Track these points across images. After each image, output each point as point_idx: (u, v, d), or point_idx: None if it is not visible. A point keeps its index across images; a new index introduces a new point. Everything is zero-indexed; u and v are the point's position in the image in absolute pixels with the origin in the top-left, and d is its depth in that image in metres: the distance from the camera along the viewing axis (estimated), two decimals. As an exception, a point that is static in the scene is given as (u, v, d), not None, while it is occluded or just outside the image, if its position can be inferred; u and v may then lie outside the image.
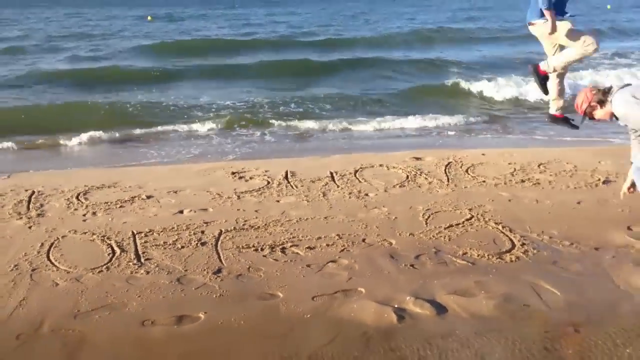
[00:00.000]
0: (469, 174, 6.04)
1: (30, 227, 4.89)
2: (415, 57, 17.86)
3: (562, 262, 4.18)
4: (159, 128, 9.95)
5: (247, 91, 12.97)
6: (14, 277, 4.05)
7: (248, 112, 10.98)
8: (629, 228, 4.70)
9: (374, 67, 15.87)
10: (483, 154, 6.76)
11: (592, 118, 4.52)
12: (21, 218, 5.08)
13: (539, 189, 5.59)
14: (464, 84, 13.12)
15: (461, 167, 6.26)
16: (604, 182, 5.69)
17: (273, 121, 10.37)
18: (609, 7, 37.69)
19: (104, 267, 4.18)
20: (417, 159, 6.64)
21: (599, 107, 4.39)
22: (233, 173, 6.24)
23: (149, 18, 34.29)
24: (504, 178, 5.88)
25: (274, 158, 7.29)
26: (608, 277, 3.96)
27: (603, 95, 4.38)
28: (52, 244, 4.57)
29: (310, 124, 10.17)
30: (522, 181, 5.80)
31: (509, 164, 6.31)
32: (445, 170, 6.17)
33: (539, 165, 6.20)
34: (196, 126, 10.03)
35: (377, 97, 12.51)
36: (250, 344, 3.31)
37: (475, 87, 12.87)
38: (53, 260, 4.29)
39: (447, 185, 5.76)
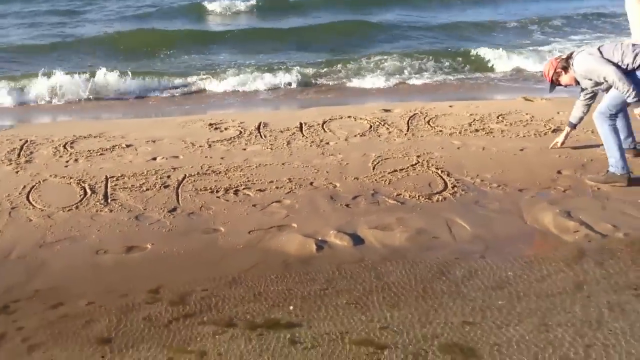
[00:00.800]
0: (429, 125, 6.38)
1: (17, 172, 5.45)
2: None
3: (484, 202, 4.57)
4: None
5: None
6: (-6, 213, 4.62)
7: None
8: (558, 172, 5.04)
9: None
10: (450, 106, 7.07)
11: (559, 84, 4.87)
12: (11, 164, 5.64)
13: (489, 138, 5.92)
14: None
15: (424, 118, 6.60)
16: (553, 131, 5.98)
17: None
18: None
19: (74, 206, 4.71)
20: (386, 110, 6.99)
21: (563, 72, 4.76)
22: (210, 124, 6.70)
23: None
24: (460, 128, 6.22)
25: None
26: (519, 215, 4.34)
27: (566, 61, 4.73)
28: (33, 186, 5.11)
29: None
30: (477, 130, 6.13)
31: (470, 115, 6.62)
32: (408, 121, 6.53)
33: (497, 116, 6.50)
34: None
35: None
36: (185, 269, 3.81)
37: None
38: (31, 200, 4.84)
39: (405, 134, 6.13)
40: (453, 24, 14.70)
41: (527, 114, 6.55)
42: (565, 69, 4.81)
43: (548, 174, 5.01)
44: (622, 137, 4.88)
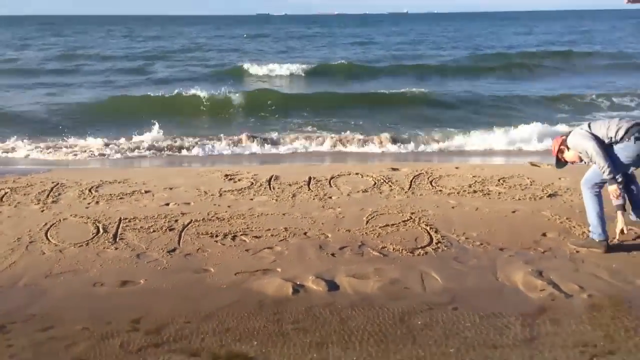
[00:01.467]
0: (431, 184, 6.64)
1: (42, 211, 5.98)
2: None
3: (462, 258, 4.77)
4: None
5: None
6: (14, 246, 5.10)
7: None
8: (543, 234, 5.19)
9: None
10: (457, 168, 7.32)
11: (566, 162, 5.07)
12: (38, 203, 6.19)
13: (485, 199, 6.12)
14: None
15: (428, 178, 6.86)
16: (549, 196, 6.13)
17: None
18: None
19: (85, 243, 5.16)
20: (394, 169, 7.29)
21: (566, 149, 4.96)
22: (226, 175, 7.14)
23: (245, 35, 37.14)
24: (460, 188, 6.44)
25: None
26: (493, 272, 4.52)
27: (567, 139, 4.94)
28: (53, 224, 5.61)
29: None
30: (474, 192, 6.34)
31: (473, 176, 6.85)
32: (412, 180, 6.80)
33: (499, 179, 6.71)
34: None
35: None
36: (168, 303, 4.14)
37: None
38: (49, 236, 5.31)
39: (406, 192, 6.40)
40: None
41: (528, 178, 6.73)
42: (567, 147, 4.96)
43: (532, 235, 5.16)
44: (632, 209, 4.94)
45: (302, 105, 14.25)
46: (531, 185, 6.52)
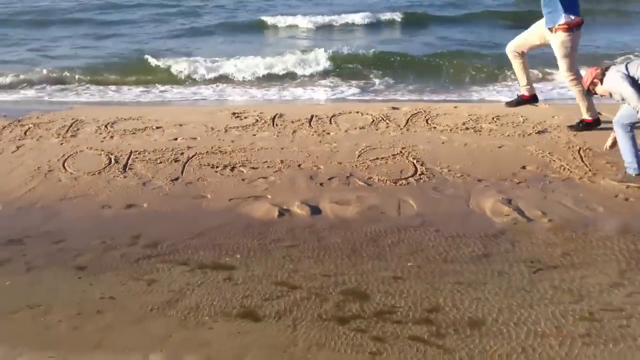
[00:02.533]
0: (427, 122, 6.91)
1: (61, 144, 6.47)
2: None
3: (441, 188, 5.11)
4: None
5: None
6: (34, 174, 5.61)
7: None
8: (523, 167, 5.48)
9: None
10: (455, 107, 7.56)
11: (595, 93, 5.32)
12: (58, 137, 6.68)
13: (475, 135, 6.39)
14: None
15: (425, 116, 7.13)
16: (537, 132, 6.37)
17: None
18: None
19: (97, 172, 5.64)
20: (394, 108, 7.56)
21: (599, 83, 5.17)
22: (233, 113, 7.53)
23: None
24: (453, 126, 6.71)
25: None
26: (467, 200, 4.86)
27: (602, 73, 5.15)
28: (70, 155, 6.10)
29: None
30: (467, 129, 6.61)
31: (469, 115, 7.09)
32: (408, 118, 7.08)
33: (493, 118, 6.94)
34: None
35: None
36: (166, 224, 4.61)
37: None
38: (65, 166, 5.82)
39: (401, 129, 6.70)
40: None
41: (522, 116, 6.94)
42: (602, 80, 5.12)
43: (512, 168, 5.45)
44: None
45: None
46: (523, 122, 6.74)
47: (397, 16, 17.44)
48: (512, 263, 3.85)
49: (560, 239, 4.17)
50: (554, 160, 5.61)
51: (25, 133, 6.82)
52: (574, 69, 6.11)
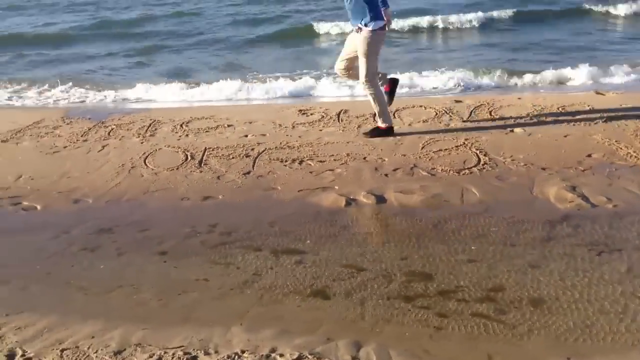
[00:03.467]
0: (490, 114, 6.99)
1: (142, 143, 6.94)
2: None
3: (504, 176, 5.21)
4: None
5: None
6: (119, 170, 6.07)
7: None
8: (588, 155, 5.50)
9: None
10: (519, 98, 7.57)
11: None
12: (139, 137, 7.16)
13: (539, 125, 6.42)
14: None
15: (488, 108, 7.19)
16: (604, 121, 6.34)
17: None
18: None
19: (176, 167, 6.05)
20: (457, 101, 7.66)
21: None
22: (300, 110, 7.82)
23: None
24: (517, 117, 6.76)
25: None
26: (530, 187, 4.94)
27: None
28: (150, 153, 6.55)
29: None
30: (531, 119, 6.64)
31: (533, 105, 7.11)
32: (472, 110, 7.17)
33: (558, 108, 6.93)
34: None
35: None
36: (240, 213, 4.93)
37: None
38: (147, 163, 6.25)
39: (464, 122, 6.80)
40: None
41: (588, 106, 6.90)
42: None
43: (577, 156, 5.48)
44: None
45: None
46: (590, 112, 6.71)
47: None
48: (575, 246, 3.93)
49: (624, 223, 4.21)
50: (621, 148, 5.59)
51: (109, 133, 7.33)
52: (371, 71, 6.22)
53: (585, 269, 3.64)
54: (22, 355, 3.10)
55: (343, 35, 12.90)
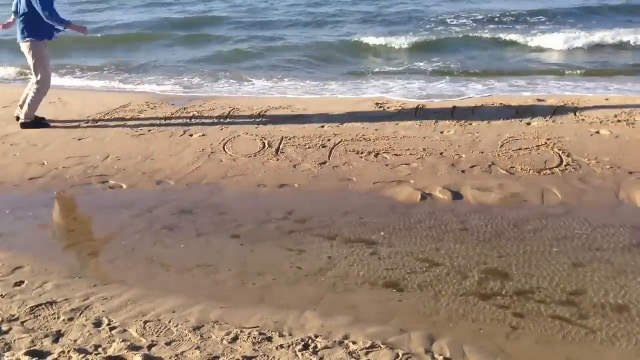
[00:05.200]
0: (574, 114, 6.75)
1: (221, 130, 7.12)
2: None
3: (588, 179, 5.03)
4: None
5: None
6: (199, 155, 6.26)
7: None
8: (680, 161, 5.23)
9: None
10: (606, 99, 7.28)
11: None
12: (219, 124, 7.35)
13: (628, 128, 6.15)
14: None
15: (573, 108, 6.96)
16: (700, 126, 6.01)
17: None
18: None
19: (253, 155, 6.17)
20: (540, 100, 7.45)
21: None
22: (377, 104, 7.81)
23: None
24: (604, 118, 6.50)
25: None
26: (616, 191, 4.76)
27: None
28: (229, 139, 6.71)
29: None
30: (619, 121, 6.37)
31: (622, 107, 6.82)
32: (555, 110, 6.95)
33: (649, 110, 6.63)
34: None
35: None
36: (316, 202, 4.98)
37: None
38: (226, 149, 6.41)
39: (546, 121, 6.61)
40: None
41: (683, 109, 6.56)
42: None
43: (668, 162, 5.23)
44: None
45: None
46: (683, 116, 6.38)
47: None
48: (663, 253, 3.76)
49: None
50: None
51: (190, 119, 7.56)
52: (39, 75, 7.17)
53: (675, 279, 3.47)
54: (108, 325, 3.26)
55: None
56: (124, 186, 5.50)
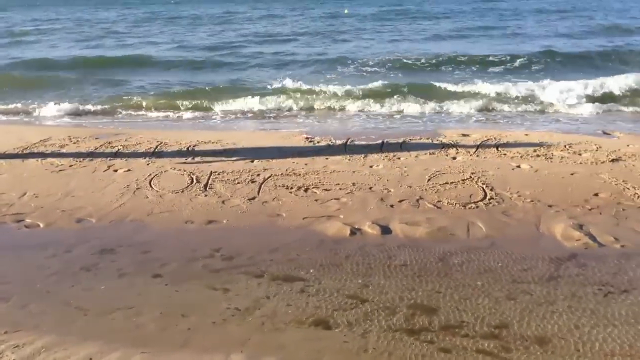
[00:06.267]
0: (497, 149, 6.98)
1: (148, 164, 6.94)
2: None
3: (510, 212, 5.17)
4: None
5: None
6: (124, 191, 6.05)
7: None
8: (595, 194, 5.47)
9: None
10: (526, 135, 7.58)
11: None
12: (145, 158, 7.16)
13: (546, 162, 6.41)
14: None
15: (495, 143, 7.20)
16: (612, 161, 6.32)
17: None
18: (346, 11, 34.67)
19: (181, 190, 6.03)
20: (465, 135, 7.67)
21: None
22: (306, 138, 7.83)
23: (346, 11, 36.11)
24: (524, 153, 6.75)
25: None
26: (536, 224, 4.91)
27: None
28: (156, 174, 6.54)
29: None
30: (538, 156, 6.63)
31: (540, 142, 7.11)
32: (479, 145, 7.17)
33: (565, 145, 6.93)
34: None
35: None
36: (244, 238, 4.88)
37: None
38: (152, 185, 6.24)
39: (470, 155, 6.80)
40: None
41: (595, 144, 6.90)
42: None
43: (584, 195, 5.45)
44: None
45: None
46: (597, 151, 6.70)
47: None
48: (582, 286, 3.89)
49: (632, 264, 4.16)
50: (628, 188, 5.57)
51: (115, 154, 7.34)
52: None
53: (593, 309, 3.58)
54: (18, 375, 3.04)
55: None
56: (41, 225, 5.23)
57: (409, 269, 4.24)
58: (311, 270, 4.26)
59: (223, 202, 5.68)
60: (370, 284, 4.03)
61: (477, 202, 5.42)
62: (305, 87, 12.87)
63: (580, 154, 6.62)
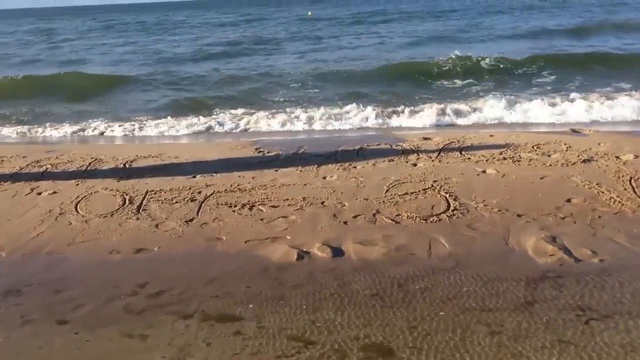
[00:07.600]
0: (460, 153, 6.47)
1: (77, 185, 6.23)
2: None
3: (476, 224, 4.64)
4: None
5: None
6: (44, 217, 5.35)
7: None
8: (567, 200, 4.98)
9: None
10: (491, 136, 7.10)
11: None
12: (74, 178, 6.46)
13: (514, 166, 5.92)
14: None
15: (459, 146, 6.69)
16: (583, 161, 5.86)
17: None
18: (309, 14, 36.61)
19: (109, 214, 5.35)
20: (426, 139, 7.15)
21: None
22: (256, 149, 7.21)
23: (309, 14, 36.33)
24: (490, 156, 6.25)
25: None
26: (505, 237, 4.38)
27: None
28: (84, 196, 5.85)
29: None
30: (505, 159, 6.14)
31: (506, 144, 6.62)
32: (441, 148, 6.65)
33: (533, 146, 6.46)
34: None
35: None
36: (176, 269, 4.25)
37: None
38: (78, 209, 5.55)
39: (432, 161, 6.27)
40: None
41: (565, 144, 6.44)
42: None
43: (556, 201, 4.97)
44: None
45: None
46: (567, 151, 6.24)
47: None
48: (560, 312, 3.36)
49: (614, 282, 3.66)
50: (603, 192, 5.10)
51: (42, 174, 6.62)
52: None
53: (574, 342, 3.06)
54: None
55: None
56: (-61, 262, 4.52)
57: (363, 299, 3.66)
58: (250, 306, 3.66)
59: (157, 225, 5.04)
60: (318, 320, 3.44)
61: (440, 214, 4.88)
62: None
63: (549, 155, 6.15)
